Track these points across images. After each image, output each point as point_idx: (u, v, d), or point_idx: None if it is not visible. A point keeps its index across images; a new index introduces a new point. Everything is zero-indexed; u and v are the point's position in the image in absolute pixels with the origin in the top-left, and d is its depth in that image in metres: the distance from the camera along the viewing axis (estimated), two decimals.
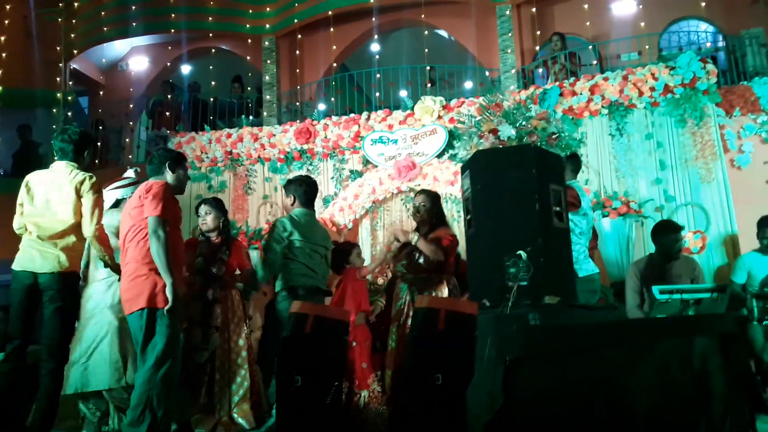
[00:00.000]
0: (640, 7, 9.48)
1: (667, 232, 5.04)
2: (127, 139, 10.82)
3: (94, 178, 3.81)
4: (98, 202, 3.74)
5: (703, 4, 9.04)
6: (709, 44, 10.55)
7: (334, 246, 4.69)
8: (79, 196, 3.73)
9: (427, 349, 2.68)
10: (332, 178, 7.40)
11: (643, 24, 9.31)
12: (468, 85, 10.42)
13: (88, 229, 3.69)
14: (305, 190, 4.53)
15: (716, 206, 6.03)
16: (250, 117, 9.15)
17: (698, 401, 2.30)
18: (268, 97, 10.13)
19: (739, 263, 5.26)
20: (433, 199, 4.73)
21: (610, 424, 2.38)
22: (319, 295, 4.31)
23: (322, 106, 9.61)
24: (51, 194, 3.75)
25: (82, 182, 3.76)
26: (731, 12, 10.77)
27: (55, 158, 3.89)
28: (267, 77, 10.24)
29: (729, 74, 8.70)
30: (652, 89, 6.34)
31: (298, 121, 7.90)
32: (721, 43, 10.41)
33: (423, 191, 5.11)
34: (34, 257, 3.65)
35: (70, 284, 3.67)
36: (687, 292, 4.15)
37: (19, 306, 3.66)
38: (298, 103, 10.18)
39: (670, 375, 2.39)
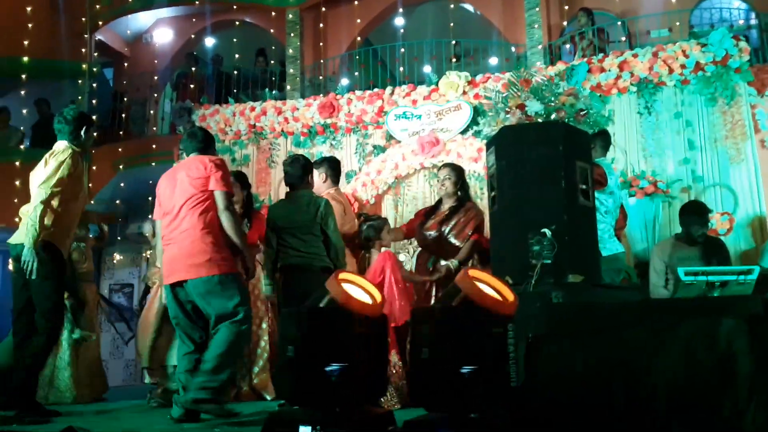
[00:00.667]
0: None
1: (693, 216, 4.97)
2: (151, 111, 10.87)
3: (69, 151, 3.85)
4: (58, 172, 3.76)
5: None
6: (741, 22, 10.29)
7: (365, 219, 4.70)
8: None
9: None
10: (355, 153, 7.37)
11: (673, 0, 9.09)
12: (493, 60, 10.28)
13: (35, 195, 3.76)
14: (337, 169, 4.66)
15: (745, 188, 5.92)
16: (274, 91, 9.11)
17: (723, 383, 2.27)
18: (291, 70, 10.08)
19: (767, 247, 5.18)
20: (458, 172, 4.74)
21: (631, 404, 2.37)
22: None
23: (345, 81, 9.55)
24: (37, 170, 3.89)
25: (52, 153, 3.87)
26: None
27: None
28: (290, 50, 10.18)
29: (761, 52, 8.49)
30: (683, 66, 6.20)
31: (321, 95, 7.86)
32: (753, 21, 10.15)
33: (448, 164, 5.10)
34: (19, 230, 3.87)
35: (38, 254, 3.68)
36: (713, 274, 4.09)
37: (15, 278, 3.86)
38: (321, 77, 10.14)
39: (694, 356, 2.36)
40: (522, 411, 2.51)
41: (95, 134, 4.26)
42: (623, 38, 9.21)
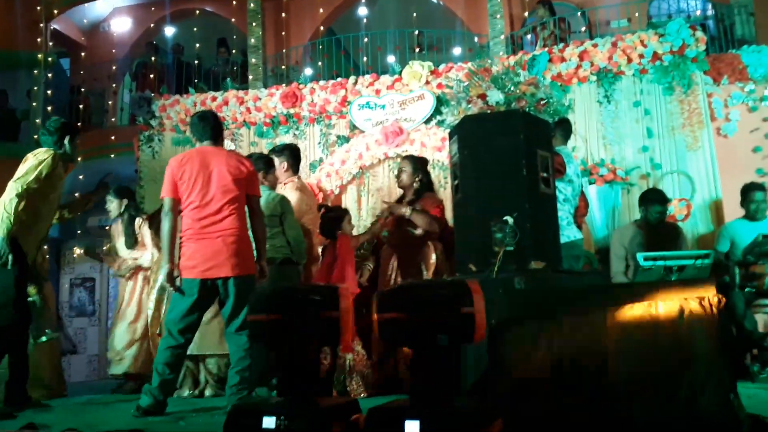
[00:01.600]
0: None
1: (652, 203, 5.10)
2: (110, 102, 10.65)
3: (51, 153, 3.96)
4: (36, 169, 3.84)
5: None
6: (698, 12, 10.50)
7: (325, 211, 4.68)
8: None
9: None
10: (319, 143, 7.33)
11: None
12: (456, 50, 10.31)
13: (9, 189, 3.78)
14: (298, 157, 4.64)
15: (702, 174, 6.05)
16: (236, 81, 9.01)
17: (681, 364, 2.33)
18: (253, 60, 9.98)
19: (723, 231, 5.31)
20: (415, 163, 4.74)
21: (593, 386, 2.41)
22: None
23: (308, 71, 9.49)
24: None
25: (35, 152, 3.95)
26: None
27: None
28: (252, 40, 10.07)
29: (718, 42, 8.68)
30: (641, 56, 6.30)
31: (284, 85, 7.79)
32: (710, 11, 10.36)
33: (407, 156, 5.11)
34: None
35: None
36: (670, 258, 4.20)
37: None
38: (284, 67, 10.04)
39: (654, 338, 2.41)
40: (485, 396, 2.54)
41: (79, 143, 4.28)
42: (583, 28, 9.32)
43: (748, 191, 5.22)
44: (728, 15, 9.90)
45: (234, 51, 10.68)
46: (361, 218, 6.80)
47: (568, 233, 4.46)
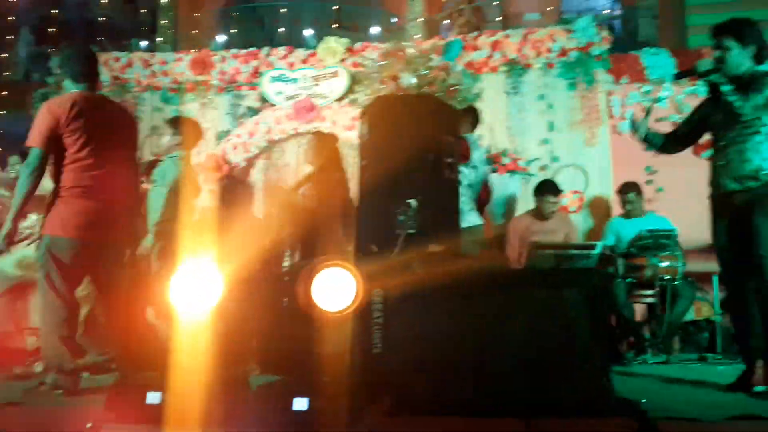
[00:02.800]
0: None
1: (545, 194, 5.35)
2: (4, 55, 9.97)
3: None
4: None
5: None
6: (607, 11, 10.96)
7: (227, 182, 4.61)
8: None
9: None
10: (227, 113, 7.14)
11: None
12: (375, 29, 10.30)
13: None
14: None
15: (596, 169, 6.35)
16: (144, 42, 8.63)
17: (561, 347, 2.47)
18: (164, 21, 9.57)
19: (609, 226, 5.63)
20: (319, 140, 4.75)
21: (482, 366, 2.51)
22: None
23: (221, 38, 9.22)
24: None
25: None
26: None
27: None
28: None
29: (622, 42, 9.09)
30: (549, 51, 6.51)
31: (194, 50, 7.53)
32: (618, 12, 10.84)
33: (315, 133, 5.10)
34: None
35: None
36: (560, 248, 4.43)
37: None
38: (196, 32, 9.70)
39: (539, 323, 2.54)
40: (378, 375, 2.60)
41: None
42: (498, 19, 9.54)
43: (622, 192, 5.56)
44: (634, 17, 10.40)
45: (144, 10, 10.22)
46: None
47: (469, 219, 4.58)
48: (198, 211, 4.57)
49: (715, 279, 5.30)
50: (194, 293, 2.25)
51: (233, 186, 4.48)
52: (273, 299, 2.63)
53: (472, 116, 4.88)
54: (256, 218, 4.50)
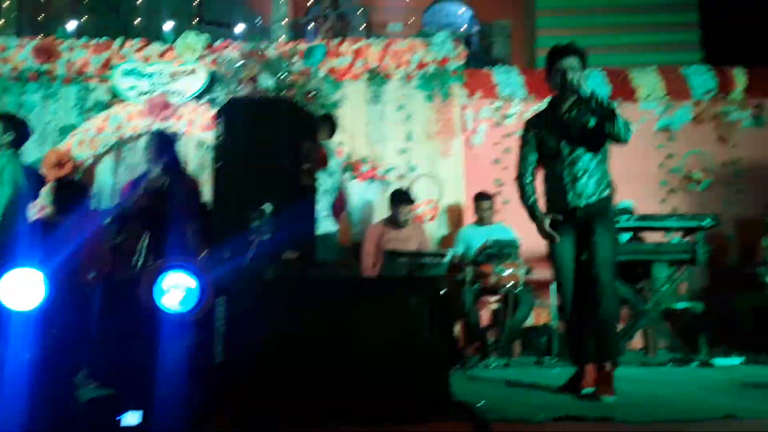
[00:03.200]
0: None
1: (399, 202, 5.51)
2: None
3: None
4: None
5: None
6: (465, 27, 11.44)
7: (62, 182, 4.31)
8: None
9: None
10: (74, 106, 6.69)
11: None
12: (238, 28, 10.07)
13: None
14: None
15: (450, 180, 6.62)
16: None
17: (405, 354, 2.54)
18: (6, 3, 8.78)
19: (460, 235, 5.90)
20: (163, 140, 4.63)
21: (329, 375, 2.53)
22: None
23: (72, 25, 8.60)
24: None
25: None
26: (487, 1, 11.78)
27: None
28: None
29: (477, 59, 9.54)
30: (409, 62, 6.71)
31: (40, 36, 6.99)
32: (475, 29, 11.36)
33: (155, 132, 4.98)
34: None
35: None
36: (413, 256, 4.58)
37: None
38: (42, 17, 8.99)
39: (385, 330, 2.60)
40: (223, 385, 2.54)
41: None
42: (362, 27, 9.66)
43: (477, 200, 5.87)
44: (490, 34, 10.94)
45: None
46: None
47: (325, 226, 4.61)
48: (33, 210, 4.23)
49: (553, 287, 5.70)
50: (18, 299, 2.08)
51: (68, 186, 4.19)
52: (110, 305, 2.48)
53: (329, 124, 4.91)
54: (96, 220, 4.24)
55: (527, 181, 3.73)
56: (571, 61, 3.51)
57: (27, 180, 4.36)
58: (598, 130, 3.48)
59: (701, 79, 6.95)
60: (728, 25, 9.10)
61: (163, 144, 4.51)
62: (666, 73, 6.99)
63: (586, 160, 3.54)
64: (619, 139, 3.43)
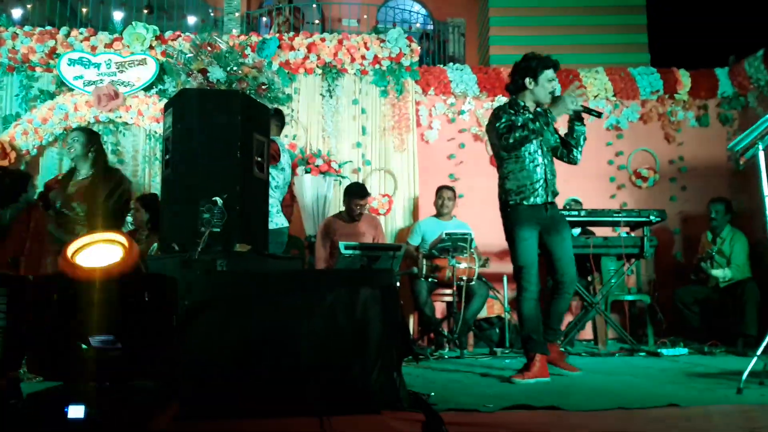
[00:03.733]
0: None
1: (353, 196, 5.50)
2: None
3: None
4: None
5: None
6: (418, 25, 11.51)
7: (3, 171, 4.16)
8: None
9: None
10: (17, 95, 6.47)
11: None
12: (191, 20, 9.91)
13: None
14: None
15: (404, 174, 6.66)
16: None
17: (356, 345, 2.53)
18: None
19: (416, 227, 5.92)
20: (89, 135, 4.58)
21: (278, 367, 2.50)
22: None
23: (17, 12, 8.32)
24: None
25: None
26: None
27: None
28: None
29: (432, 56, 9.61)
30: (363, 57, 6.71)
31: None
32: (430, 26, 11.43)
33: (78, 128, 4.94)
34: None
35: None
36: (367, 249, 4.56)
37: None
38: None
39: (336, 322, 2.58)
40: (171, 378, 2.49)
41: None
42: (317, 21, 9.63)
43: (439, 191, 5.90)
44: (444, 32, 11.03)
45: None
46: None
47: (277, 221, 4.56)
48: None
49: (505, 279, 5.79)
50: None
51: (23, 177, 4.07)
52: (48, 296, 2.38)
53: (279, 119, 4.86)
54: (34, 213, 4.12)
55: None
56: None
57: None
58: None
59: (648, 79, 7.13)
60: (674, 28, 9.39)
61: (90, 139, 4.46)
62: (614, 74, 7.15)
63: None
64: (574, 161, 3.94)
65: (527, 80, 3.75)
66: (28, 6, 8.80)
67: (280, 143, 4.65)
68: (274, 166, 4.48)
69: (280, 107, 4.88)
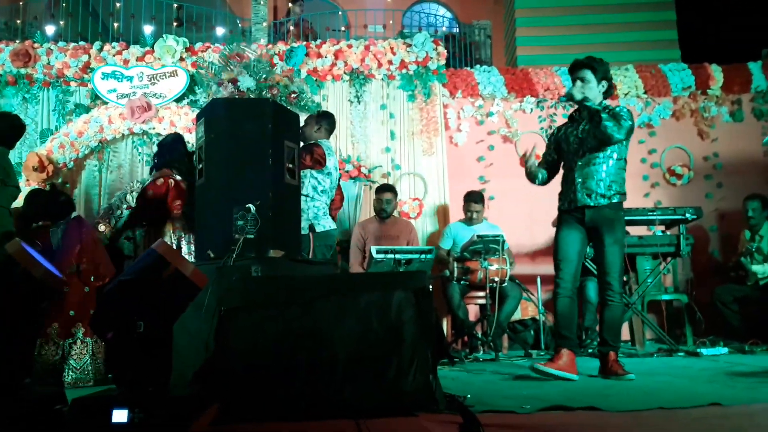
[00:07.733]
0: None
1: (376, 192, 5.58)
2: None
3: None
4: None
5: None
6: (444, 28, 11.51)
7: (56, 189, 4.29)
8: None
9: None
10: (54, 110, 6.63)
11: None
12: (219, 31, 10.05)
13: None
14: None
15: (434, 177, 6.65)
16: None
17: (391, 348, 2.53)
18: None
19: (447, 231, 5.90)
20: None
21: (313, 371, 2.52)
22: None
23: (50, 29, 8.53)
24: None
25: None
26: (467, 2, 11.85)
27: None
28: None
29: (459, 59, 9.60)
30: (390, 63, 6.73)
31: (17, 41, 6.93)
32: (456, 29, 11.42)
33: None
34: None
35: None
36: (399, 253, 4.58)
37: None
38: (20, 22, 8.93)
39: (371, 325, 2.59)
40: (211, 383, 2.52)
41: None
42: (343, 28, 9.69)
43: (467, 200, 5.85)
44: (470, 34, 11.02)
45: None
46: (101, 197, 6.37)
47: (324, 223, 4.60)
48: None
49: (539, 280, 5.74)
50: None
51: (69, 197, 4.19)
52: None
53: (329, 122, 4.87)
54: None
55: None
56: (581, 73, 3.77)
57: None
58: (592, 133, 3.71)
59: (679, 76, 7.03)
60: (704, 23, 9.24)
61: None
62: (645, 71, 7.06)
63: (597, 163, 3.74)
64: (605, 139, 3.63)
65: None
66: (61, 22, 9.01)
67: (326, 146, 4.67)
68: (320, 170, 4.53)
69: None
